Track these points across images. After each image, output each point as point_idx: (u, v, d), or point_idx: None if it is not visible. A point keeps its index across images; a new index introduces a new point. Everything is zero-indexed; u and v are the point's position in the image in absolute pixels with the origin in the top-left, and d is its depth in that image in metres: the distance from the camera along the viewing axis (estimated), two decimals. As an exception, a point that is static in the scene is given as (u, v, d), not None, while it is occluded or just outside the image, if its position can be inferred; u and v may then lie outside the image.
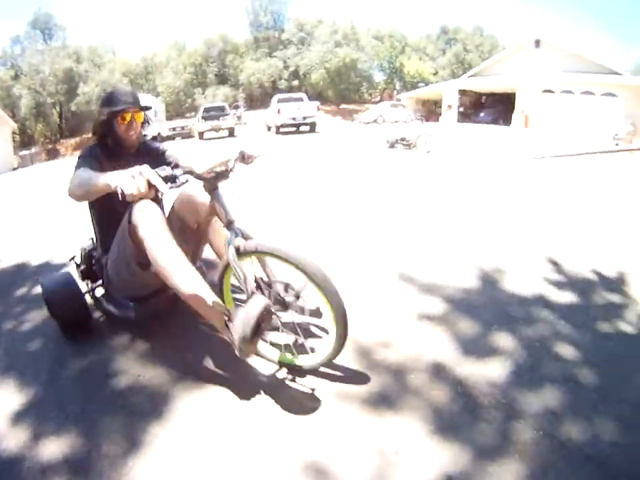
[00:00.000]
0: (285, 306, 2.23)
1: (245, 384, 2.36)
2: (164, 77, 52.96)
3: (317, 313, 2.68)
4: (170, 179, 2.00)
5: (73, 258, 3.28)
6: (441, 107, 36.31)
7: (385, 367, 2.43)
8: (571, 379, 2.35)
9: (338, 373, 2.40)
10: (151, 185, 1.88)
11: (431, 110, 39.79)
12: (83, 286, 3.06)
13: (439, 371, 2.38)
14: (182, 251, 2.17)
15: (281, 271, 2.29)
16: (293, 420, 2.09)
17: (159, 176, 1.90)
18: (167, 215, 2.76)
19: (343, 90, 54.66)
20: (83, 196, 2.26)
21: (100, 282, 3.00)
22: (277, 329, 2.46)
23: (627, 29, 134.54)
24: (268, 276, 2.35)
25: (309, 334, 2.65)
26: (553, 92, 27.21)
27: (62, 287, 2.86)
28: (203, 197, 2.53)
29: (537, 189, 7.89)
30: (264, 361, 2.50)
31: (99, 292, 3.04)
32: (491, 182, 8.44)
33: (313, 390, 2.28)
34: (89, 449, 1.99)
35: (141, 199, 2.00)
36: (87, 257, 3.09)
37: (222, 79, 56.39)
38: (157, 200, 2.53)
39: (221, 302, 2.13)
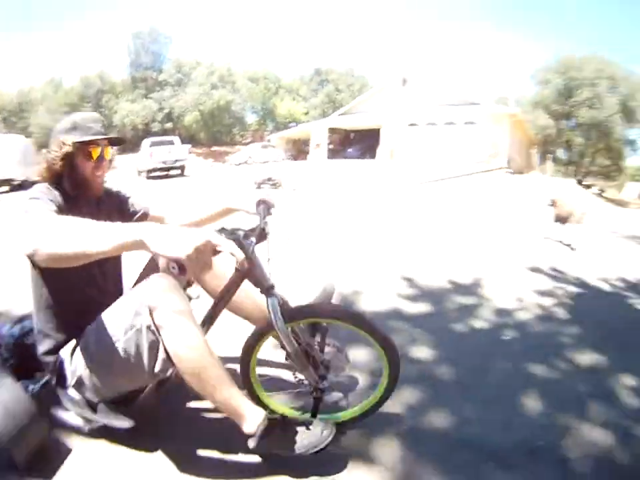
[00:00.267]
0: (328, 369, 2.12)
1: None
2: (38, 116, 50.47)
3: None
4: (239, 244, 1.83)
5: None
6: (309, 145, 37.67)
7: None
8: (429, 377, 2.70)
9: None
10: (215, 253, 1.54)
11: (300, 149, 40.99)
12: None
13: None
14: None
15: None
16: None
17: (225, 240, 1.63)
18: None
19: (216, 132, 55.25)
20: (74, 257, 1.55)
21: (45, 379, 2.11)
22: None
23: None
24: (308, 343, 2.11)
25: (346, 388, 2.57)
26: (418, 125, 29.74)
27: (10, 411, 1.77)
28: (226, 259, 2.01)
29: (398, 211, 8.47)
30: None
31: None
32: (352, 209, 9.48)
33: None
34: None
35: (180, 273, 1.64)
36: (20, 345, 2.28)
37: (96, 121, 55.02)
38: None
39: (259, 409, 1.91)
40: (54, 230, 1.56)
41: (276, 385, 2.49)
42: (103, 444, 2.05)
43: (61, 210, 1.83)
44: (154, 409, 2.09)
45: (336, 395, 2.42)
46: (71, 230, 1.55)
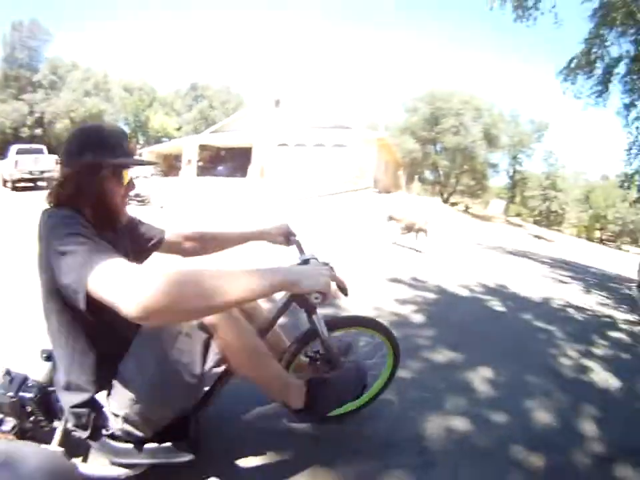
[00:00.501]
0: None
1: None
2: None
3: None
4: None
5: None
6: (181, 161, 37.84)
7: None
8: None
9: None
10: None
11: (172, 165, 40.72)
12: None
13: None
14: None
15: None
16: None
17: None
18: None
19: None
20: (213, 308, 1.39)
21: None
22: None
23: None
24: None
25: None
26: (288, 145, 31.11)
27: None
28: None
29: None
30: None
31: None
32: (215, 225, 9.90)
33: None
34: None
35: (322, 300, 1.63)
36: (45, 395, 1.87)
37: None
38: None
39: (301, 381, 2.08)
40: (176, 283, 1.27)
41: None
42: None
43: None
44: (201, 438, 1.93)
45: None
46: (197, 282, 1.30)
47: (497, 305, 6.43)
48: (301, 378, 2.12)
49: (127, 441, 1.75)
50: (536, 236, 35.48)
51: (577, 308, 7.42)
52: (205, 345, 1.74)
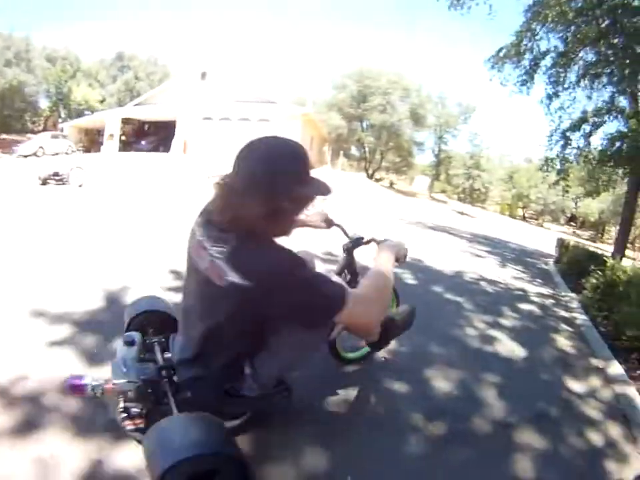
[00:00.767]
0: None
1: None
2: None
3: None
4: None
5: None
6: (104, 136, 35.96)
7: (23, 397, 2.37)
8: None
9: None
10: None
11: (94, 140, 38.71)
12: None
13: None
14: None
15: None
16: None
17: None
18: None
19: (6, 117, 46.07)
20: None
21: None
22: None
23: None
24: None
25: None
26: (212, 119, 30.48)
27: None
28: None
29: (180, 207, 8.57)
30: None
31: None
32: (135, 206, 9.41)
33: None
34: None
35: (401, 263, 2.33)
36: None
37: None
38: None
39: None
40: (369, 298, 1.78)
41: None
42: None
43: None
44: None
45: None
46: (376, 292, 1.83)
47: (408, 278, 6.41)
48: None
49: (242, 396, 2.05)
50: (459, 212, 36.55)
51: (490, 281, 7.53)
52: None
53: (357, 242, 2.97)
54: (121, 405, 1.86)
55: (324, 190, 1.77)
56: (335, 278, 2.24)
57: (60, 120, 50.10)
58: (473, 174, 47.54)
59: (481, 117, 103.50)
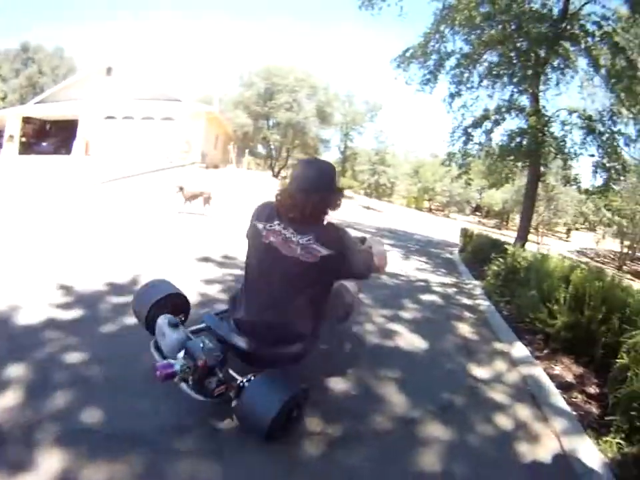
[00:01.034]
0: None
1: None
2: None
3: None
4: None
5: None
6: (3, 137, 32.23)
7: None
8: (81, 380, 2.61)
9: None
10: None
11: None
12: None
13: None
14: None
15: None
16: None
17: None
18: None
19: None
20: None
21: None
22: None
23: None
24: None
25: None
26: (116, 118, 28.91)
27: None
28: None
29: (65, 217, 7.96)
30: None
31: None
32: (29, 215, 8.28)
33: None
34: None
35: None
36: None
37: None
38: None
39: None
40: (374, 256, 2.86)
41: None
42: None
43: None
44: None
45: None
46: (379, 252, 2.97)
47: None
48: None
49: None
50: (365, 207, 37.15)
51: (391, 274, 7.32)
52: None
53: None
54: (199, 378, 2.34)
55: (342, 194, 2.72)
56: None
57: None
58: (379, 169, 48.60)
59: (387, 114, 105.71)
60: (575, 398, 3.40)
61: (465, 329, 5.00)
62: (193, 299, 4.09)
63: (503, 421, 2.98)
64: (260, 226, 2.57)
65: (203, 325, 2.82)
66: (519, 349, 4.36)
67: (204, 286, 4.77)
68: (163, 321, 2.61)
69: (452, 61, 15.72)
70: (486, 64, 15.50)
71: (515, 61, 13.91)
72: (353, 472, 2.26)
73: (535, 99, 14.02)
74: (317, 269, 2.42)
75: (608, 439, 2.77)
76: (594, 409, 3.25)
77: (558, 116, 14.07)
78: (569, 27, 13.01)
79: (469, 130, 15.50)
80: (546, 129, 13.15)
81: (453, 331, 4.91)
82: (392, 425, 2.73)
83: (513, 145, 13.84)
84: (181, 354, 2.41)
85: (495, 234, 14.96)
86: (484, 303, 6.31)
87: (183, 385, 2.32)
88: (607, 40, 12.64)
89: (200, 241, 7.55)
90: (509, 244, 9.10)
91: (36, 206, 8.97)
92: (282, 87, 39.90)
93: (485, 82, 15.61)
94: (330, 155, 53.70)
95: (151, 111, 28.50)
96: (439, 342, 4.40)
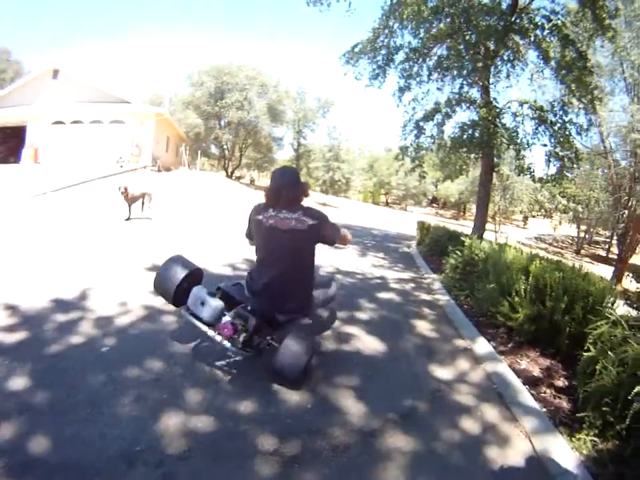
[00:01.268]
0: None
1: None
2: None
3: None
4: None
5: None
6: None
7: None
8: (26, 408, 2.48)
9: None
10: None
11: None
12: None
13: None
14: None
15: None
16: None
17: None
18: None
19: None
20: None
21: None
22: None
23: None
24: None
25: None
26: (64, 123, 27.63)
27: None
28: None
29: (10, 231, 7.49)
30: None
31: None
32: None
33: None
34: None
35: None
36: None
37: None
38: None
39: None
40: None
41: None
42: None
43: None
44: None
45: None
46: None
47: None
48: None
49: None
50: (321, 204, 37.06)
51: (346, 273, 7.22)
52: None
53: None
54: (240, 338, 2.95)
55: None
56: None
57: None
58: (333, 166, 48.64)
59: (340, 110, 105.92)
60: (543, 393, 3.33)
61: (425, 327, 4.89)
62: (140, 312, 4.07)
63: (470, 425, 2.88)
64: (260, 217, 3.30)
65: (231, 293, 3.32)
66: (482, 345, 4.27)
67: (152, 297, 4.41)
68: (200, 291, 3.11)
69: (401, 55, 15.69)
70: (435, 57, 15.50)
71: (464, 54, 13.96)
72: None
73: (485, 91, 14.09)
74: (307, 234, 3.21)
75: (581, 435, 2.69)
76: (564, 404, 3.17)
77: (509, 107, 14.21)
78: (518, 21, 13.11)
79: (421, 123, 15.46)
80: (497, 120, 13.23)
81: (413, 330, 4.78)
82: (351, 438, 2.59)
83: (465, 136, 13.84)
84: (226, 317, 3.00)
85: (453, 225, 15.02)
86: (443, 298, 6.23)
87: (226, 343, 2.92)
88: (556, 33, 12.77)
89: (148, 249, 7.15)
90: (467, 235, 9.05)
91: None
92: (232, 86, 39.39)
93: (435, 75, 15.61)
94: (283, 153, 53.85)
95: (100, 114, 27.45)
96: (398, 343, 4.27)
